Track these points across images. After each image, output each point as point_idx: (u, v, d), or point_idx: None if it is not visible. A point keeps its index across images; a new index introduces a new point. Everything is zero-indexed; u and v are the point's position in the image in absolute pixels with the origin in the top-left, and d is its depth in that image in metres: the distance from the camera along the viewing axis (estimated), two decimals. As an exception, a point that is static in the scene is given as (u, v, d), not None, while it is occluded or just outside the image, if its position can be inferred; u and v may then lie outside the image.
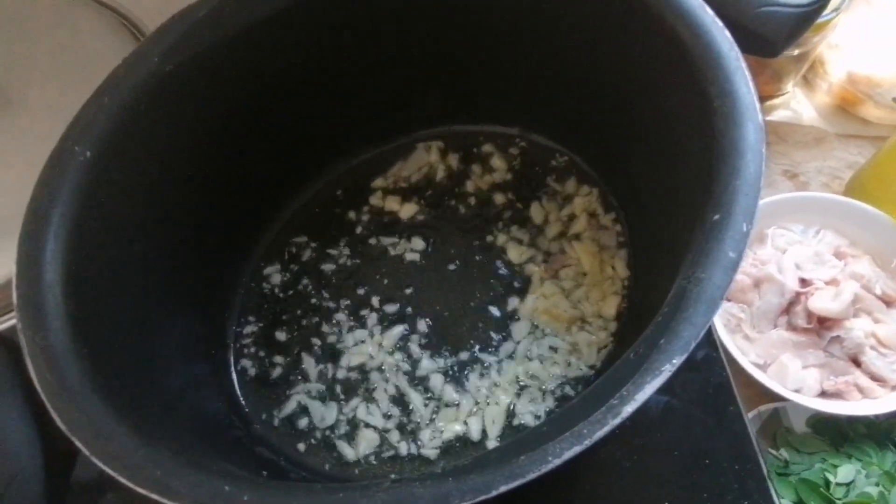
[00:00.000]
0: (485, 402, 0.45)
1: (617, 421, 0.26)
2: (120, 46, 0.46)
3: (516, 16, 0.42)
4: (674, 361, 0.27)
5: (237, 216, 0.48)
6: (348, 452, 0.45)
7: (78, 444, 0.28)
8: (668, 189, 0.41)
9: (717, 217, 0.29)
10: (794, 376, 0.49)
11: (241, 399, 0.46)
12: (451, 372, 0.46)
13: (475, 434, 0.44)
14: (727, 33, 0.32)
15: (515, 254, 0.49)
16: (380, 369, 0.47)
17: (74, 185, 0.34)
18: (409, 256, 0.51)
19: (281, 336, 0.49)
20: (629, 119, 0.42)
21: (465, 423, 0.45)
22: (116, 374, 0.32)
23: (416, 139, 0.55)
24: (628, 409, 0.26)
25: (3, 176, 0.44)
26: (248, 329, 0.49)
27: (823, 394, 0.48)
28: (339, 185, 0.54)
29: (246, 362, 0.48)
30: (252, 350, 0.49)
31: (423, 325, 0.48)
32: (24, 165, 0.42)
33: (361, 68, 0.48)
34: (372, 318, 0.49)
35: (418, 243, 0.51)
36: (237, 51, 0.39)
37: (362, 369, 0.47)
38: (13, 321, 0.42)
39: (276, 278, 0.51)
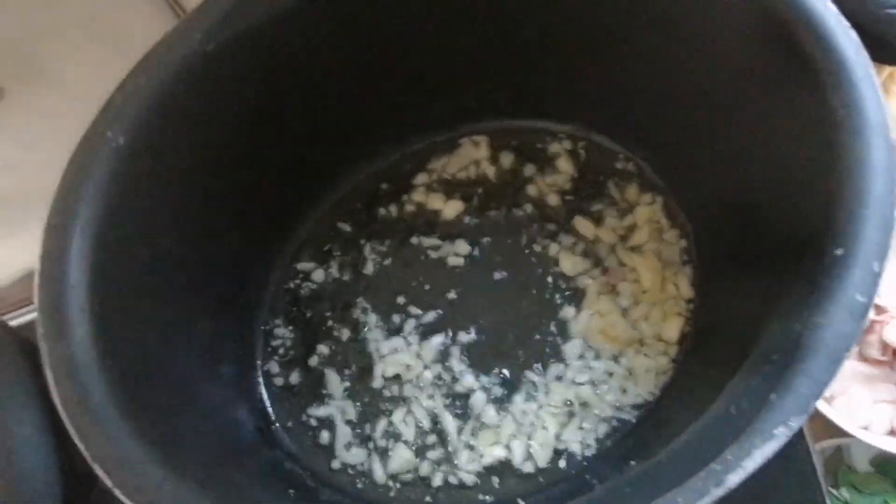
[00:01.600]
0: (529, 425, 0.42)
1: (720, 492, 0.23)
2: (159, 21, 0.42)
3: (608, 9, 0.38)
4: (790, 423, 0.23)
5: (272, 209, 0.44)
6: (379, 471, 0.41)
7: (100, 472, 0.25)
8: (751, 205, 0.37)
9: (839, 252, 0.25)
10: (862, 412, 0.45)
11: (269, 408, 0.43)
12: (494, 391, 0.43)
13: (518, 459, 0.41)
14: (854, 35, 0.28)
15: (569, 264, 0.45)
16: (416, 382, 0.44)
17: (105, 175, 0.31)
18: (453, 261, 0.47)
19: (311, 339, 0.46)
20: (717, 125, 0.38)
21: (508, 447, 0.41)
22: (141, 390, 0.29)
23: (463, 133, 0.51)
24: (734, 479, 0.23)
25: (30, 156, 0.41)
26: (278, 330, 0.46)
27: (893, 432, 0.45)
28: (380, 178, 0.50)
29: (273, 366, 0.45)
30: (280, 353, 0.45)
31: (464, 336, 0.44)
32: (52, 145, 0.39)
33: (413, 53, 0.44)
34: (409, 325, 0.45)
35: (463, 247, 0.47)
36: (284, 30, 0.35)
37: (398, 380, 0.44)
38: (32, 315, 0.39)
39: (310, 276, 0.48)
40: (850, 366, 0.46)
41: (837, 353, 0.24)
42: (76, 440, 0.25)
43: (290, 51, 0.36)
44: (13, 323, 0.35)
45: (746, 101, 0.34)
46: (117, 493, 0.24)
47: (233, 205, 0.39)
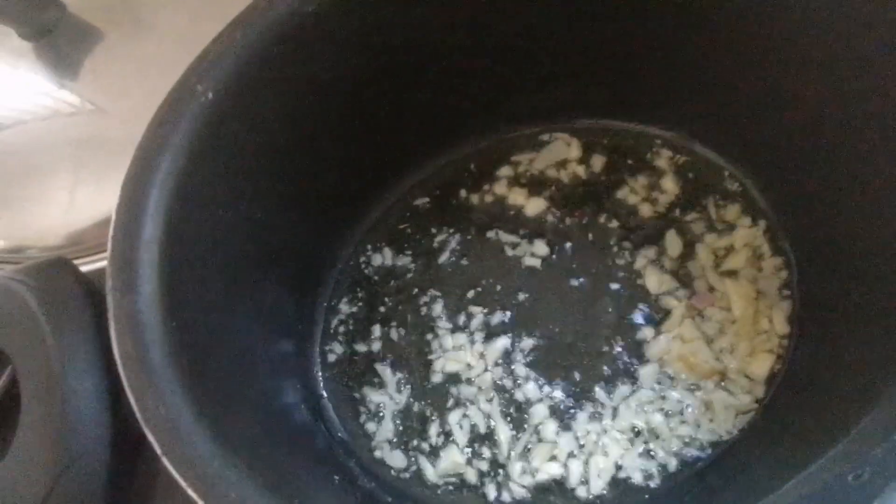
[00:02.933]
0: (591, 446, 0.39)
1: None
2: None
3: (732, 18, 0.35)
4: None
5: (351, 183, 0.43)
6: (428, 470, 0.40)
7: (151, 439, 0.23)
8: (866, 248, 0.33)
9: None
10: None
11: (322, 389, 0.42)
12: (557, 404, 0.40)
13: (574, 480, 0.38)
14: None
15: (654, 281, 0.42)
16: (476, 383, 0.42)
17: (190, 129, 0.30)
18: (529, 261, 0.44)
19: (373, 322, 0.44)
20: (837, 153, 0.34)
21: (565, 465, 0.39)
22: (200, 357, 0.28)
23: (553, 128, 0.48)
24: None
25: (120, 102, 0.41)
26: (341, 307, 0.45)
27: None
28: (463, 165, 0.48)
29: (332, 346, 0.44)
30: (341, 333, 0.44)
31: (531, 342, 0.42)
32: (142, 92, 0.39)
33: (519, 40, 0.41)
34: (475, 322, 0.43)
35: (541, 248, 0.45)
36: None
37: (456, 379, 0.42)
38: (102, 264, 0.39)
39: (379, 259, 0.46)
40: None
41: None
42: (130, 399, 0.24)
43: (396, 20, 0.34)
44: (88, 268, 0.35)
45: (872, 122, 0.30)
46: (165, 461, 0.23)
47: (314, 174, 0.38)
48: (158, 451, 0.23)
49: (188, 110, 0.30)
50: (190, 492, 0.23)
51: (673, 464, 0.37)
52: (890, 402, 0.24)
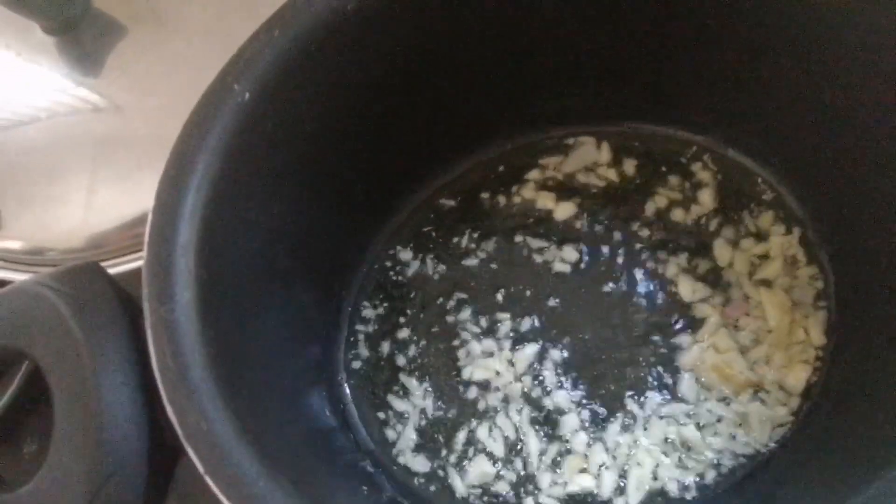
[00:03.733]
0: (624, 457, 0.38)
1: None
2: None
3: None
4: None
5: (380, 184, 0.42)
6: (456, 482, 0.39)
7: (194, 457, 0.23)
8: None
9: None
10: None
11: (347, 394, 0.41)
12: (587, 414, 0.39)
13: (606, 492, 0.38)
14: None
15: (687, 289, 0.41)
16: (505, 391, 0.41)
17: (227, 129, 0.29)
18: (558, 267, 0.44)
19: (398, 330, 0.43)
20: (876, 162, 0.33)
21: (597, 477, 0.38)
22: (237, 367, 0.27)
23: (584, 132, 0.47)
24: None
25: (144, 100, 0.39)
26: (366, 315, 0.44)
27: None
28: (491, 167, 0.47)
29: (357, 353, 0.43)
30: (364, 342, 0.43)
31: (561, 350, 0.41)
32: (167, 91, 0.38)
33: (550, 41, 0.40)
34: (504, 329, 0.42)
35: (571, 254, 0.44)
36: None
37: (484, 387, 0.41)
38: (133, 265, 0.38)
39: (404, 262, 0.45)
40: None
41: None
42: (170, 414, 0.24)
43: (436, 24, 0.33)
44: (114, 271, 0.34)
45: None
46: (209, 481, 0.22)
47: (343, 176, 0.37)
48: (201, 469, 0.23)
49: (225, 111, 0.29)
50: (235, 512, 0.22)
51: (710, 476, 0.37)
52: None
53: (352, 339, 0.43)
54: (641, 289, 0.42)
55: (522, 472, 0.39)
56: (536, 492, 0.38)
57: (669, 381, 0.39)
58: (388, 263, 0.45)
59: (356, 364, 0.43)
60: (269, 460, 0.24)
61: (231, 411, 0.24)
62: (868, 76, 0.33)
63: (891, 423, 0.29)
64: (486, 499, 0.39)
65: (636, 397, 0.39)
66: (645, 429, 0.39)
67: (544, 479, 0.38)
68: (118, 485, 0.24)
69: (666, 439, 0.38)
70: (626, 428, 0.39)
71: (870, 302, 0.37)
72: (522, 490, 0.38)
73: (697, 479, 0.37)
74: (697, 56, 0.40)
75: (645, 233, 0.43)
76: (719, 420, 0.38)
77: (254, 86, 0.29)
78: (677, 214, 0.43)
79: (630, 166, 0.45)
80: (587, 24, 0.39)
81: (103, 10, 0.42)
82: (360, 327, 0.44)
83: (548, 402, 0.40)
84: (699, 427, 0.38)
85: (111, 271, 0.33)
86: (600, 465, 0.38)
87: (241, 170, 0.30)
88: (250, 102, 0.29)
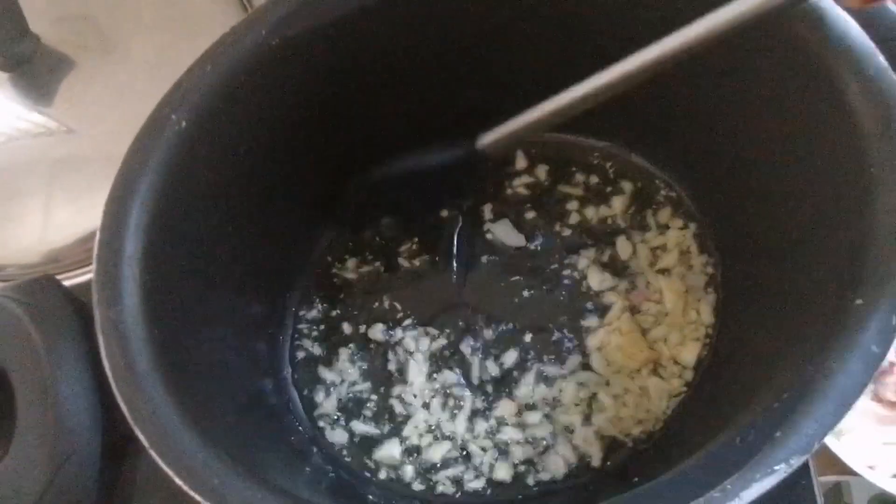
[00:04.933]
0: (535, 429, 0.43)
1: (716, 519, 0.24)
2: (227, 13, 0.44)
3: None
4: (791, 461, 0.24)
5: (314, 197, 0.46)
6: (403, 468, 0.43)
7: (141, 436, 0.27)
8: (781, 244, 0.38)
9: (859, 302, 0.26)
10: (870, 451, 0.45)
11: (291, 386, 0.45)
12: (503, 388, 0.44)
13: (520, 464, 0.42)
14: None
15: (596, 280, 0.46)
16: (434, 380, 0.45)
17: (166, 154, 0.33)
18: (485, 261, 0.48)
19: (339, 324, 0.47)
20: (756, 162, 0.38)
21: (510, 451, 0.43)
22: (182, 360, 0.31)
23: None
24: (731, 508, 0.24)
25: (94, 124, 0.43)
26: (309, 314, 0.48)
27: (899, 476, 0.45)
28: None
29: (301, 345, 0.47)
30: (308, 337, 0.47)
31: (485, 337, 0.46)
32: (116, 116, 0.42)
33: (449, 57, 0.44)
34: (433, 321, 0.47)
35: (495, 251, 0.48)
36: (350, 32, 0.37)
37: (417, 374, 0.46)
38: (86, 277, 0.42)
39: (345, 265, 0.49)
40: (864, 405, 0.46)
41: (846, 400, 0.25)
42: (120, 403, 0.27)
43: (355, 52, 0.38)
44: (69, 283, 0.38)
45: (785, 141, 0.35)
46: (155, 456, 0.26)
47: (283, 192, 0.41)
48: (147, 445, 0.26)
49: (164, 137, 0.33)
50: (177, 480, 0.26)
51: (609, 443, 0.42)
52: (778, 381, 0.29)
53: (296, 335, 0.47)
54: (555, 281, 0.47)
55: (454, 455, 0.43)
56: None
57: (577, 358, 0.44)
58: (331, 267, 0.49)
59: (300, 354, 0.47)
60: (210, 438, 0.28)
61: (175, 397, 0.28)
62: (742, 90, 0.38)
63: (750, 385, 0.34)
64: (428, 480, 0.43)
65: (548, 365, 0.44)
66: (556, 400, 0.43)
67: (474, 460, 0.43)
68: (74, 468, 0.28)
69: (575, 404, 0.43)
70: (542, 404, 0.43)
71: (749, 286, 0.42)
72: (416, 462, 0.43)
73: (600, 448, 0.41)
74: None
75: (560, 231, 0.48)
76: (624, 393, 0.43)
77: (189, 115, 0.33)
78: (587, 213, 0.48)
79: (543, 172, 0.50)
80: (490, 40, 0.44)
81: (53, 47, 0.45)
82: (303, 326, 0.48)
83: (472, 378, 0.45)
84: (607, 398, 0.43)
85: (67, 283, 0.37)
86: (517, 442, 0.43)
87: (180, 189, 0.34)
88: (187, 129, 0.33)
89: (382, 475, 0.43)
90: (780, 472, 0.24)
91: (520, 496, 0.41)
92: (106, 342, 0.28)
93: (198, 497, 0.26)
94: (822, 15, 0.30)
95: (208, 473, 0.26)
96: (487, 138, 0.39)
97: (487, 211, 0.50)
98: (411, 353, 0.46)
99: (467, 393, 0.44)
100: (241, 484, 0.26)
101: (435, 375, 0.45)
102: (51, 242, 0.42)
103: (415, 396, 0.45)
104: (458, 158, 0.41)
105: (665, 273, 0.46)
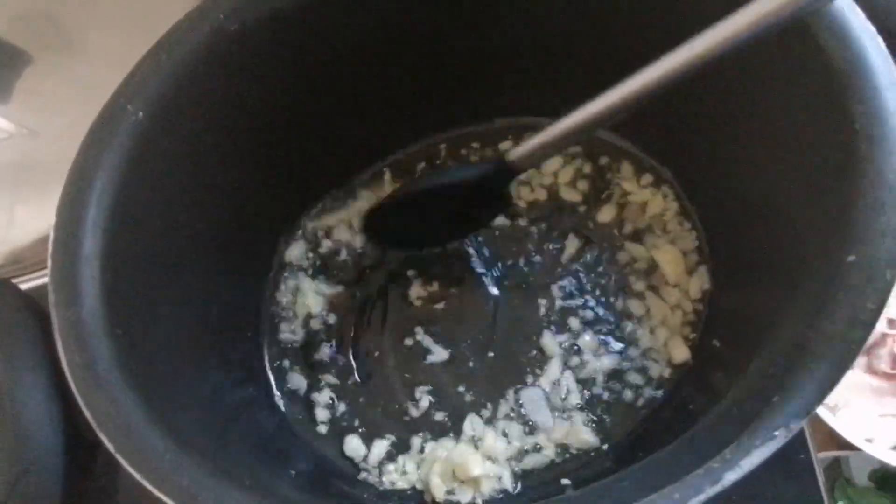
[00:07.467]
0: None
1: (716, 489, 0.22)
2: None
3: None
4: (790, 426, 0.23)
5: (282, 193, 0.45)
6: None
7: (104, 439, 0.25)
8: (768, 207, 0.37)
9: (852, 258, 0.25)
10: (867, 424, 0.45)
11: (269, 378, 0.43)
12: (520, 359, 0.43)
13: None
14: (881, 42, 0.28)
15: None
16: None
17: (123, 147, 0.31)
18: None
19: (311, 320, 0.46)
20: (737, 126, 0.37)
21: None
22: (147, 358, 0.29)
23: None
24: (731, 477, 0.22)
25: (53, 122, 0.41)
26: (280, 310, 0.46)
27: (897, 447, 0.44)
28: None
29: (278, 337, 0.45)
30: (280, 332, 0.45)
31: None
32: (75, 113, 0.40)
33: (433, 46, 0.43)
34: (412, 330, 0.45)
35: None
36: (311, 17, 0.35)
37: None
38: (42, 281, 0.40)
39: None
40: (859, 378, 0.46)
41: (843, 360, 0.23)
42: (81, 405, 0.26)
43: (317, 38, 0.36)
44: (26, 286, 0.36)
45: (767, 102, 0.34)
46: (121, 459, 0.25)
47: (245, 186, 0.40)
48: (112, 449, 0.25)
49: (120, 130, 0.31)
50: (146, 483, 0.24)
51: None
52: (773, 345, 0.28)
53: (270, 330, 0.45)
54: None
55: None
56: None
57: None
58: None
59: (275, 349, 0.45)
60: (179, 438, 0.26)
61: (141, 398, 0.27)
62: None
63: (754, 355, 0.32)
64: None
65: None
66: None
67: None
68: (36, 476, 0.26)
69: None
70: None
71: (737, 252, 0.41)
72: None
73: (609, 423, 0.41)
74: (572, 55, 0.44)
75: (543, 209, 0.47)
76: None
77: (147, 105, 0.32)
78: (564, 192, 0.47)
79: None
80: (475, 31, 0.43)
81: (8, 41, 0.44)
82: (276, 320, 0.46)
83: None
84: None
85: (28, 286, 0.35)
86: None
87: (140, 183, 0.32)
88: (145, 121, 0.32)
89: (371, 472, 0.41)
90: (780, 437, 0.23)
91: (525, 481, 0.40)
92: (65, 344, 0.27)
93: (166, 499, 0.24)
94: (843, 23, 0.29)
95: (178, 473, 0.25)
96: (517, 152, 0.37)
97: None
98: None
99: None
100: (213, 481, 0.25)
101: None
102: (12, 243, 0.41)
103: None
104: (489, 174, 0.39)
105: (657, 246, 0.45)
